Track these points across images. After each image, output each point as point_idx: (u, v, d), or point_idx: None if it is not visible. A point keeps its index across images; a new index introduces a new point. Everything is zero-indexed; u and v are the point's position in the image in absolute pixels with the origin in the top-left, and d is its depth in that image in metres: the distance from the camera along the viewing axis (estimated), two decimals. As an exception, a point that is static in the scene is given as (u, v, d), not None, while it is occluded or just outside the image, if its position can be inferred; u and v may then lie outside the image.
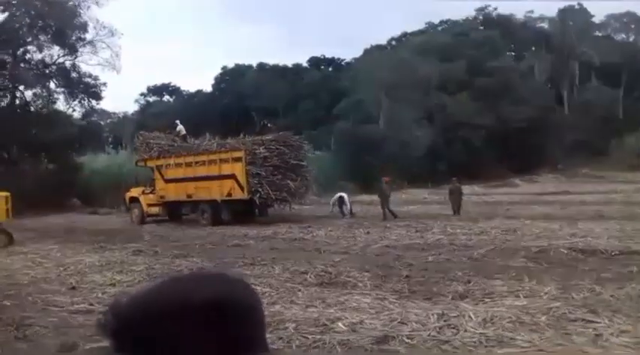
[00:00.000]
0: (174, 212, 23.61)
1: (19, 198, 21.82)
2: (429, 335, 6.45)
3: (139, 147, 25.82)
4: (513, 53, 57.99)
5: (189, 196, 22.68)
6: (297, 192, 21.90)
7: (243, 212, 21.46)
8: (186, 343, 0.80)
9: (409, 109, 41.86)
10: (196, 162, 22.47)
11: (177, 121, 26.45)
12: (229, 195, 21.22)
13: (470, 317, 6.95)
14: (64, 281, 10.71)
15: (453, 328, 6.65)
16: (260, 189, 20.69)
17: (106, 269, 11.72)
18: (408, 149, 39.50)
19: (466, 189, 25.48)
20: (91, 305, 8.58)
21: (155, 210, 24.01)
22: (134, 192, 24.93)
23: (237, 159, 21.09)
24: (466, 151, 41.81)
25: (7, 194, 17.21)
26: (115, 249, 14.79)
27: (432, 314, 7.11)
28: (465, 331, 6.50)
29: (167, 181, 23.42)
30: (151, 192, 24.08)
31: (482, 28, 57.63)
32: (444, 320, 6.90)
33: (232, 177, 21.09)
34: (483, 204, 25.50)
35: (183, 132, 25.49)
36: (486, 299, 7.94)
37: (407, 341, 6.35)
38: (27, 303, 8.84)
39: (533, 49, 58.13)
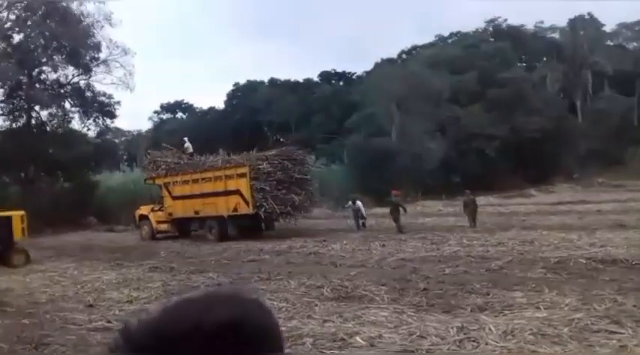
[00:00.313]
0: (183, 228, 23.87)
1: (36, 216, 22.11)
2: (449, 349, 6.39)
3: (147, 165, 26.29)
4: (525, 64, 57.71)
5: (196, 212, 22.97)
6: (301, 206, 22.08)
7: (249, 227, 21.62)
8: None
9: (421, 122, 41.82)
10: (202, 179, 22.79)
11: (185, 138, 26.89)
12: (235, 210, 21.47)
13: (490, 329, 6.87)
14: (81, 299, 10.78)
15: (474, 341, 6.58)
16: (265, 204, 20.90)
17: (123, 287, 11.79)
18: (421, 161, 39.39)
19: (481, 200, 25.31)
20: (109, 322, 8.62)
21: (164, 226, 24.37)
22: (143, 209, 25.36)
23: (242, 175, 21.36)
24: (480, 162, 41.58)
25: (23, 213, 17.41)
26: (132, 266, 14.90)
27: (452, 328, 7.04)
28: (486, 344, 6.43)
29: (175, 198, 23.78)
30: (159, 210, 24.43)
31: (492, 39, 57.52)
32: (464, 333, 6.83)
33: (237, 192, 21.37)
34: (499, 215, 25.28)
35: (191, 149, 25.83)
36: (506, 312, 7.84)
37: (427, 355, 6.28)
38: (45, 321, 8.89)
39: (545, 59, 57.91)
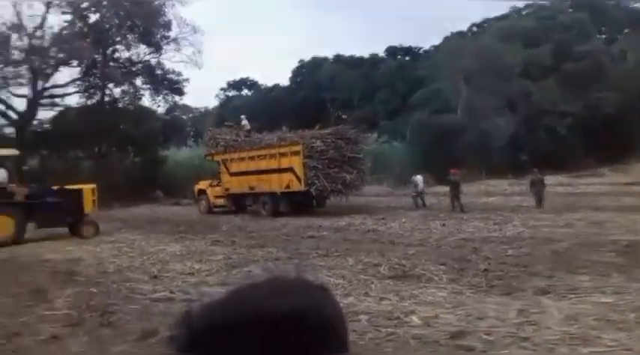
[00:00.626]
0: (238, 203, 24.64)
1: (107, 190, 23.12)
2: (507, 332, 6.19)
3: (208, 142, 27.31)
4: (604, 36, 54.59)
5: (251, 188, 23.66)
6: (352, 184, 22.33)
7: (301, 203, 22.11)
8: None
9: (490, 97, 40.43)
10: (258, 156, 23.38)
11: (243, 116, 27.72)
12: (288, 187, 22.01)
13: (552, 313, 6.63)
14: (147, 269, 11.17)
15: (534, 325, 6.36)
16: (316, 182, 21.32)
17: (186, 259, 12.16)
18: (488, 139, 38.26)
19: (550, 179, 24.44)
20: (172, 293, 8.88)
21: (221, 201, 25.38)
22: (202, 184, 26.57)
23: (296, 153, 21.78)
24: (550, 140, 39.92)
25: (94, 186, 18.22)
26: (195, 239, 15.36)
27: (511, 310, 6.86)
28: (547, 328, 6.20)
29: (232, 174, 24.58)
30: (217, 185, 25.37)
31: (570, 10, 54.56)
32: (524, 317, 6.63)
33: (291, 170, 21.81)
34: (568, 195, 24.36)
35: (248, 127, 26.49)
36: (570, 296, 7.54)
37: (484, 337, 6.12)
38: (112, 291, 9.27)
39: (627, 31, 54.59)
